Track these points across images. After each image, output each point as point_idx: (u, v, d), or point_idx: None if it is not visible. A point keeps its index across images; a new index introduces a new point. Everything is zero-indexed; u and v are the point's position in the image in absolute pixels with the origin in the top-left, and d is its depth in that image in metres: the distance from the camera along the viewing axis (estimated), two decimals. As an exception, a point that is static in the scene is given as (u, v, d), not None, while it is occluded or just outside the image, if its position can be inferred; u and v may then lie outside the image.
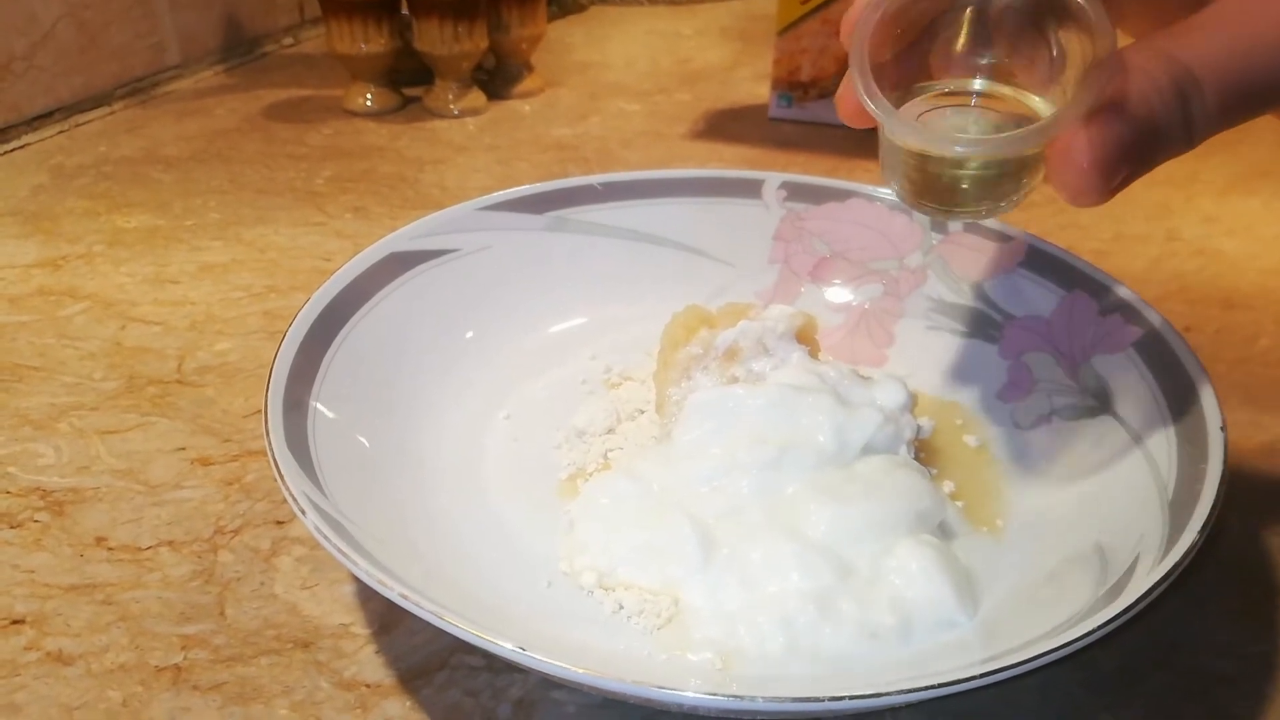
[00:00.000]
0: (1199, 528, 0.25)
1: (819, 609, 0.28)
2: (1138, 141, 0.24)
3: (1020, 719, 0.28)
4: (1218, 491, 0.27)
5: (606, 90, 0.78)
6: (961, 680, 0.22)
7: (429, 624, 0.29)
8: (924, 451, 0.35)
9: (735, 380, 0.34)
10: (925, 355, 0.40)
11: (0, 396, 0.41)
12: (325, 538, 0.25)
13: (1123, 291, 0.36)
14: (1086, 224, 0.56)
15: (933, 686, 0.22)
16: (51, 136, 0.67)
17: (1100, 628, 0.23)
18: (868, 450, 0.32)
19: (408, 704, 0.28)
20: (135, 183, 0.61)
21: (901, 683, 0.23)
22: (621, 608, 0.29)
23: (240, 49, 0.85)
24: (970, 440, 0.36)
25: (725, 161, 0.65)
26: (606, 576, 0.30)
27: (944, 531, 0.31)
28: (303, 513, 0.26)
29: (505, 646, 0.23)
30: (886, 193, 0.44)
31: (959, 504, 0.33)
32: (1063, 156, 0.25)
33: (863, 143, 0.67)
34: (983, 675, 0.23)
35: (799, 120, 0.69)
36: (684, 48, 0.90)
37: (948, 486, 0.34)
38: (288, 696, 0.28)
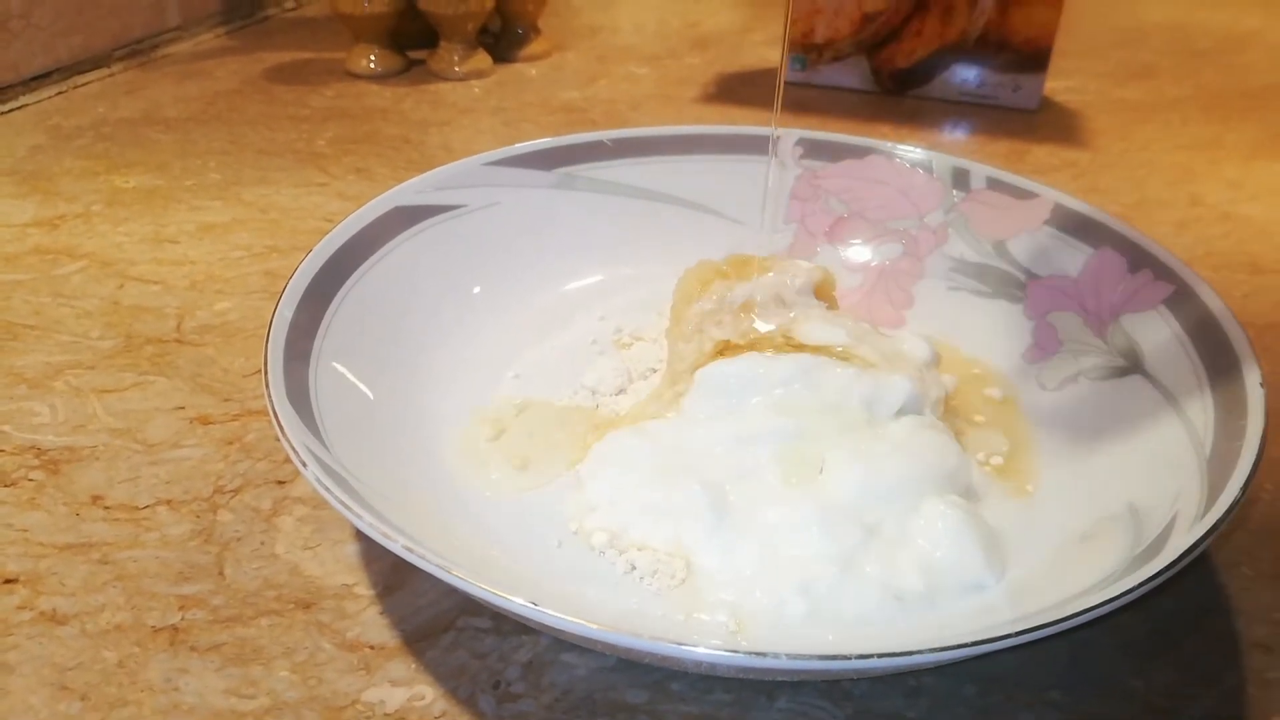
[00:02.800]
0: (1242, 484, 0.24)
1: (841, 571, 0.27)
2: None
3: (1050, 684, 0.27)
4: (1260, 448, 0.26)
5: (615, 54, 0.77)
6: (992, 639, 0.21)
7: (434, 585, 0.28)
8: (946, 414, 0.34)
9: (752, 333, 0.33)
10: (946, 316, 0.39)
11: (-5, 355, 0.40)
12: (327, 490, 0.24)
13: (1153, 248, 0.35)
14: (1107, 188, 0.54)
15: (963, 645, 0.21)
16: (50, 98, 0.66)
17: (1144, 584, 0.21)
18: (890, 410, 0.31)
19: (413, 666, 0.27)
20: (134, 143, 0.59)
21: (929, 642, 0.22)
22: (634, 568, 0.28)
23: (241, 11, 0.83)
24: (994, 396, 0.35)
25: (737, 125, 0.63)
26: (618, 537, 0.29)
27: (970, 494, 0.30)
28: (304, 465, 0.25)
29: (516, 601, 0.22)
30: (906, 149, 0.42)
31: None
32: None
33: (880, 107, 0.65)
34: (1014, 635, 0.22)
35: (812, 84, 0.68)
36: (694, 11, 0.88)
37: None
38: (289, 658, 0.27)
